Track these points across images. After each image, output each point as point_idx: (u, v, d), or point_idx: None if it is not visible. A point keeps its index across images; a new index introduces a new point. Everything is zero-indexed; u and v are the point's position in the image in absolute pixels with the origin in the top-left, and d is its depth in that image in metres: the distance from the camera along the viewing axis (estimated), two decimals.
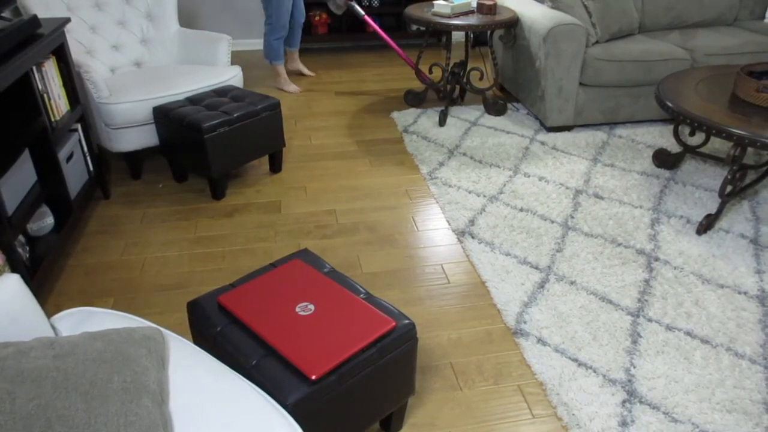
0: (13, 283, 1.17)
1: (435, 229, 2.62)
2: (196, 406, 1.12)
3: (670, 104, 2.56)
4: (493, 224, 2.61)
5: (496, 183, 2.95)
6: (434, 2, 3.52)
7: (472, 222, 2.64)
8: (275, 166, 3.10)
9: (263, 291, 1.55)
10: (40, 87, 2.30)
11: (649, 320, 2.06)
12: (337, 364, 1.34)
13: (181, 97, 2.92)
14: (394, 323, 1.46)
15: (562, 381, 1.82)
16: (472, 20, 3.35)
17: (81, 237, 2.58)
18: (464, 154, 3.26)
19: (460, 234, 2.56)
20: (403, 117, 3.76)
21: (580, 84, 3.40)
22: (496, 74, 3.78)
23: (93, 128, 2.88)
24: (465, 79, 3.80)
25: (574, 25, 3.21)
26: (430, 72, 4.17)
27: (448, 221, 2.67)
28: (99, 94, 2.74)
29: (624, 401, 1.75)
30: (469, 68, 3.81)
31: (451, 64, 3.73)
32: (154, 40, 3.31)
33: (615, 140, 3.41)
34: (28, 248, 2.18)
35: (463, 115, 3.78)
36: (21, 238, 2.16)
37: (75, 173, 2.57)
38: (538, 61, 3.39)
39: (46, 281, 2.29)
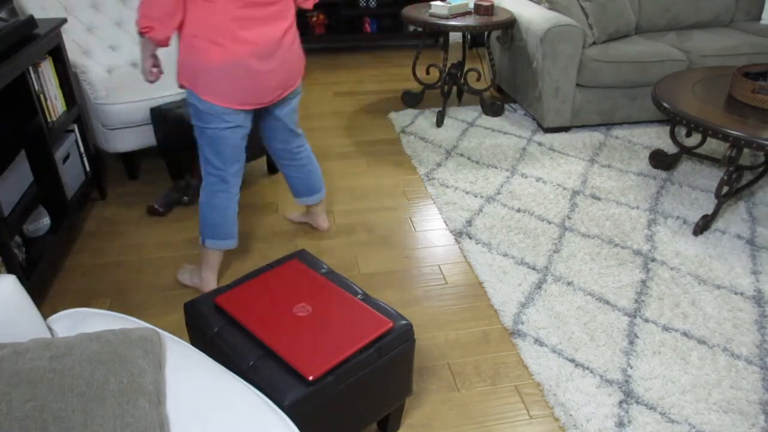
0: (9, 284, 1.16)
1: (432, 230, 2.62)
2: (193, 407, 1.12)
3: (666, 105, 2.56)
4: (491, 225, 2.61)
5: (493, 184, 2.95)
6: (431, 3, 3.52)
7: (469, 223, 2.64)
8: (272, 167, 3.10)
9: (260, 292, 1.54)
10: (36, 88, 2.30)
11: (646, 321, 2.07)
12: (335, 365, 1.34)
13: (178, 98, 2.91)
14: (391, 324, 1.45)
15: (560, 381, 1.82)
16: (470, 21, 3.35)
17: (77, 238, 2.57)
18: (461, 155, 3.26)
19: (458, 235, 2.56)
20: (401, 118, 3.76)
21: (577, 85, 3.40)
22: (493, 75, 3.78)
23: (90, 129, 2.88)
24: (462, 80, 3.80)
25: (570, 26, 3.21)
26: (428, 73, 4.17)
27: (445, 222, 2.67)
28: (96, 94, 2.73)
29: (621, 402, 1.75)
30: (466, 69, 3.81)
31: (448, 65, 3.73)
32: None
33: (612, 141, 3.42)
34: (24, 249, 2.17)
35: (461, 116, 3.78)
36: (17, 239, 2.15)
37: (71, 174, 2.56)
38: (535, 62, 3.40)
39: (42, 282, 2.28)
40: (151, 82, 1.96)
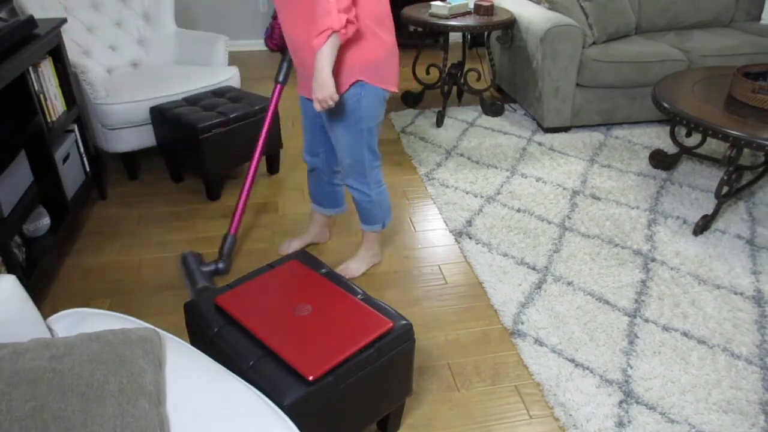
0: (9, 284, 1.16)
1: (432, 230, 2.62)
2: (193, 407, 1.12)
3: (666, 105, 2.56)
4: (491, 225, 2.61)
5: (493, 184, 2.95)
6: (431, 3, 3.52)
7: (469, 223, 2.64)
8: (272, 167, 3.10)
9: (260, 292, 1.54)
10: (36, 88, 2.30)
11: (646, 321, 2.07)
12: (335, 365, 1.34)
13: (178, 98, 2.91)
14: (391, 324, 1.45)
15: (559, 381, 1.82)
16: (470, 21, 3.35)
17: (77, 238, 2.57)
18: (462, 155, 3.26)
19: (458, 235, 2.56)
20: (401, 118, 3.76)
21: (577, 85, 3.40)
22: (493, 75, 3.78)
23: (90, 129, 2.88)
24: (462, 80, 3.80)
25: (570, 26, 3.21)
26: (428, 73, 4.17)
27: (445, 222, 2.67)
28: (95, 94, 2.73)
29: (621, 402, 1.75)
30: (466, 69, 3.81)
31: (448, 65, 3.73)
32: (151, 41, 3.30)
33: (612, 141, 3.42)
34: (24, 249, 2.17)
35: (461, 116, 3.78)
36: (17, 239, 2.15)
37: (71, 174, 2.56)
38: (535, 62, 3.40)
39: (42, 282, 2.28)
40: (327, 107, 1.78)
